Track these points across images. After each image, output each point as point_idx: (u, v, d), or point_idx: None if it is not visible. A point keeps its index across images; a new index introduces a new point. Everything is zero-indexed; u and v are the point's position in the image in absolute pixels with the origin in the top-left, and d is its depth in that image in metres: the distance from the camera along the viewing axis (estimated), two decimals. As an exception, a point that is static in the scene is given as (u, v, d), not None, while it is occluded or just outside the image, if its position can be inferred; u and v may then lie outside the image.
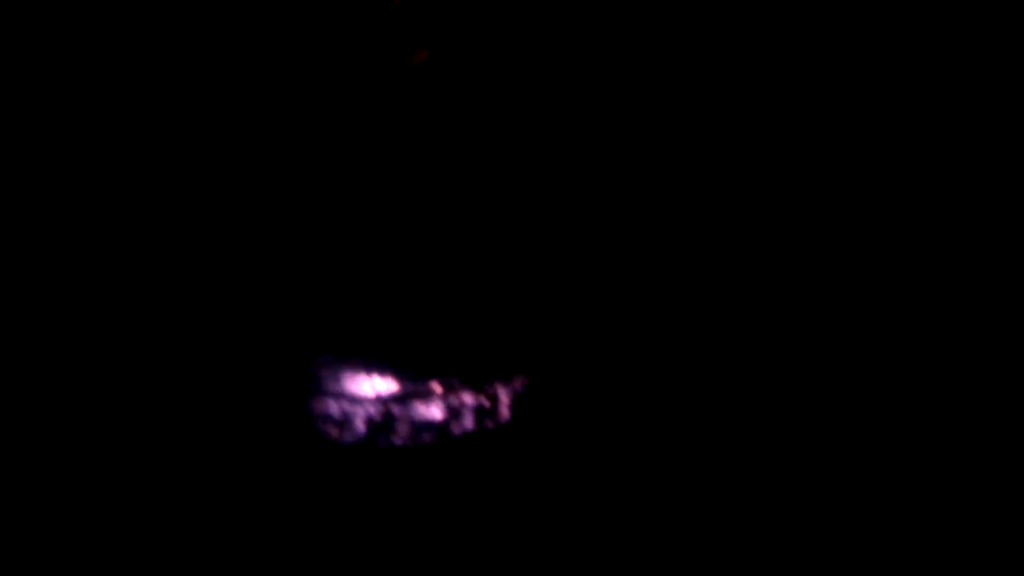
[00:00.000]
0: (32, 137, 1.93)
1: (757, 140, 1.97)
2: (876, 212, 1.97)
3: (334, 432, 1.88)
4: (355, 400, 1.90)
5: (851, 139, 1.97)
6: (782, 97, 1.96)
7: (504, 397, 1.92)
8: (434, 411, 1.89)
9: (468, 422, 1.88)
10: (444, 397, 1.90)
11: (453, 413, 1.89)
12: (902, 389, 1.85)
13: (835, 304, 1.95)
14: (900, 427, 1.81)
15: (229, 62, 1.93)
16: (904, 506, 1.68)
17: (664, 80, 1.99)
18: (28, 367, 1.86)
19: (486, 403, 1.90)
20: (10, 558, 1.60)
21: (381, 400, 1.89)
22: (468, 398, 1.90)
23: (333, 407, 1.90)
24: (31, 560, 1.63)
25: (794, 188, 1.96)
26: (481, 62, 1.98)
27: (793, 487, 1.74)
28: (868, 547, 1.63)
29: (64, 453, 1.82)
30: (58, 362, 1.86)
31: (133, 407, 1.86)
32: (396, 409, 1.89)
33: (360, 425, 1.88)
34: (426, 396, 1.90)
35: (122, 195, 1.94)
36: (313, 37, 1.93)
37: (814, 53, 1.96)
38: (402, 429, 1.87)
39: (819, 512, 1.70)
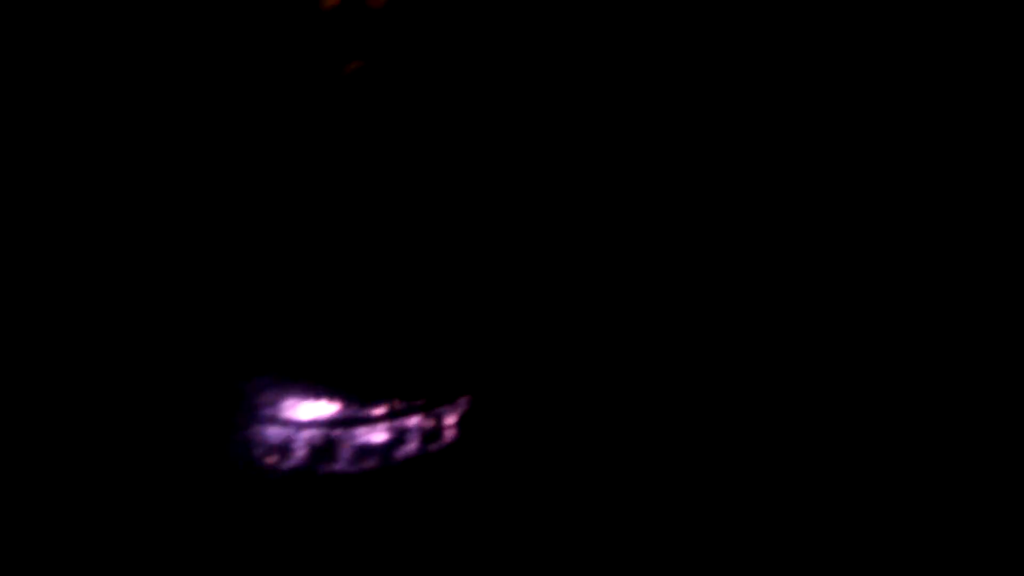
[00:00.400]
0: (27, 138, 1.85)
1: (744, 140, 1.94)
2: (876, 212, 1.94)
3: (273, 459, 1.81)
4: (295, 425, 1.83)
5: (851, 139, 1.94)
6: (781, 97, 1.93)
7: (449, 418, 1.86)
8: (377, 435, 1.83)
9: (412, 445, 1.82)
10: (387, 420, 1.84)
11: (397, 436, 1.83)
12: (901, 389, 1.83)
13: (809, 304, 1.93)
14: (899, 427, 1.78)
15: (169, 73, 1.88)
16: (904, 506, 1.65)
17: (595, 81, 1.97)
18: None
19: (430, 425, 1.84)
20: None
21: (322, 424, 1.83)
22: (412, 420, 1.85)
23: (272, 433, 1.83)
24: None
25: (775, 188, 1.94)
26: (414, 72, 1.95)
27: (762, 500, 1.71)
28: (867, 547, 1.60)
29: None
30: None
31: (59, 435, 1.79)
32: (338, 433, 1.83)
33: (300, 451, 1.81)
34: (369, 419, 1.84)
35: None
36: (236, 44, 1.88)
37: (814, 53, 1.93)
38: (344, 454, 1.81)
39: (799, 516, 1.66)
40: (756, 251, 1.92)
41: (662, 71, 1.92)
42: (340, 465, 1.80)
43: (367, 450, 1.82)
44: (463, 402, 1.88)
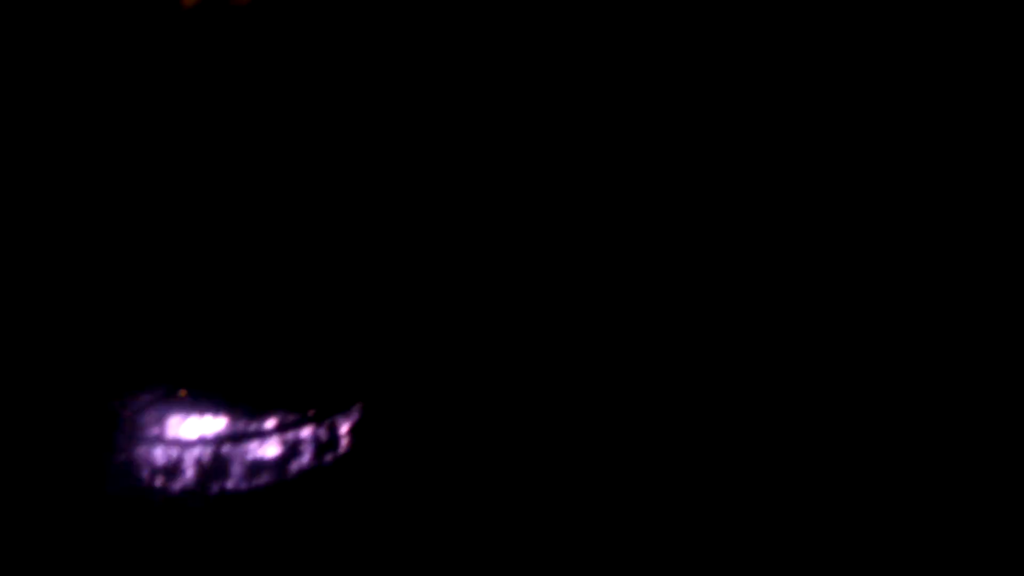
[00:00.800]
0: (23, 140, 1.68)
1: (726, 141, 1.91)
2: (875, 212, 1.94)
3: (160, 481, 1.74)
4: (181, 444, 1.76)
5: (850, 139, 1.93)
6: (781, 97, 1.91)
7: (343, 427, 1.83)
8: (269, 449, 1.78)
9: (306, 458, 1.78)
10: (279, 432, 1.79)
11: (290, 449, 1.78)
12: (901, 389, 1.85)
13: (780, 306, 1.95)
14: (898, 427, 1.81)
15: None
16: (904, 506, 1.69)
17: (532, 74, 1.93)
18: None
19: (324, 435, 1.81)
20: None
21: (210, 441, 1.76)
22: (305, 432, 1.80)
23: (157, 453, 1.76)
24: None
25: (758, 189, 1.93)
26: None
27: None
28: (866, 547, 1.63)
29: None
30: None
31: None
32: (227, 450, 1.77)
33: (189, 471, 1.75)
34: (260, 433, 1.79)
35: None
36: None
37: (814, 53, 1.90)
38: (236, 471, 1.75)
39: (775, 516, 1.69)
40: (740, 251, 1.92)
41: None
42: (232, 483, 1.75)
43: (259, 465, 1.77)
44: (356, 410, 1.85)
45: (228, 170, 1.88)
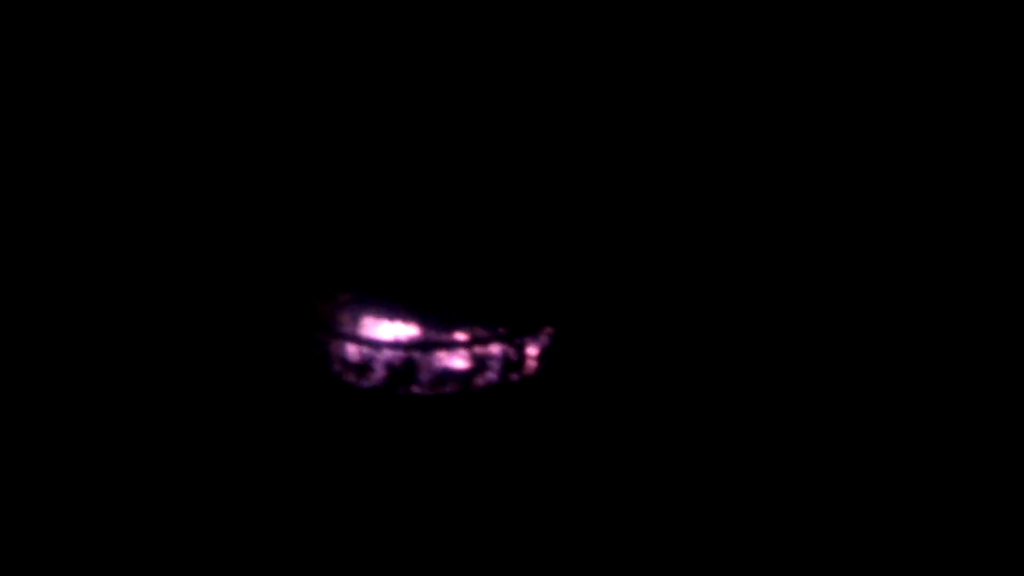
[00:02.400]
0: (31, 137, 1.56)
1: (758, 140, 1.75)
2: (875, 212, 1.83)
3: (352, 377, 1.80)
4: (375, 344, 1.80)
5: (851, 139, 1.78)
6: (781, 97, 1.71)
7: (531, 350, 1.84)
8: (458, 360, 1.81)
9: (492, 374, 1.82)
10: (469, 346, 1.81)
11: (478, 364, 1.82)
12: (902, 389, 1.85)
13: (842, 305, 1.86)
14: (899, 427, 1.83)
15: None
16: (904, 506, 1.75)
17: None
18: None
19: (512, 355, 1.83)
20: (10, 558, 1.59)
21: (403, 346, 1.80)
22: (494, 349, 1.82)
23: (351, 351, 1.80)
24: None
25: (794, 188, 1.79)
26: None
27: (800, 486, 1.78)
28: (867, 547, 1.72)
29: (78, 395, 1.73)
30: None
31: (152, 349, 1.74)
32: (417, 356, 1.80)
33: (380, 370, 1.80)
34: (450, 344, 1.81)
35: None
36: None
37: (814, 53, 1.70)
38: (423, 377, 1.81)
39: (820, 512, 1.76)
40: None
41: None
42: (418, 388, 1.81)
43: (447, 375, 1.82)
44: (546, 333, 1.84)
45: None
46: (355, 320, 1.79)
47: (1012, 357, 1.83)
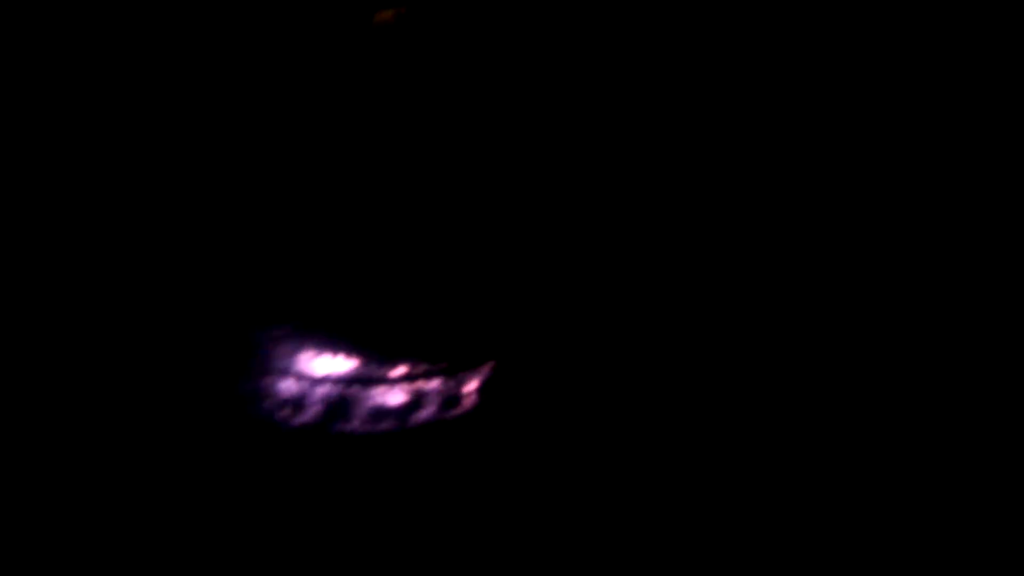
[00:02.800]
0: (31, 137, 1.61)
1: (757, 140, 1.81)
2: (877, 212, 1.87)
3: (285, 413, 1.75)
4: (309, 380, 1.76)
5: (852, 139, 1.83)
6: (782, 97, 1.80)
7: (470, 385, 1.80)
8: (395, 396, 1.77)
9: (430, 410, 1.78)
10: (406, 382, 1.78)
11: (415, 399, 1.77)
12: (903, 389, 1.83)
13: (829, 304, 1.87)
14: (901, 427, 1.80)
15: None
16: (905, 506, 1.70)
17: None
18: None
19: (451, 390, 1.79)
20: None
21: (338, 381, 1.75)
22: (432, 384, 1.78)
23: (285, 386, 1.76)
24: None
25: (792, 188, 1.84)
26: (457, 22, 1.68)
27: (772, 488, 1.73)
28: (868, 547, 1.66)
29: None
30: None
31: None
32: (354, 392, 1.76)
33: (314, 407, 1.75)
34: (387, 380, 1.77)
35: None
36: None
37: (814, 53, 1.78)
38: (359, 413, 1.76)
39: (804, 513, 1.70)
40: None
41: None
42: (354, 425, 1.76)
43: (383, 411, 1.77)
44: (485, 369, 1.81)
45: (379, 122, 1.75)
46: (290, 354, 1.77)
47: (1012, 357, 1.82)
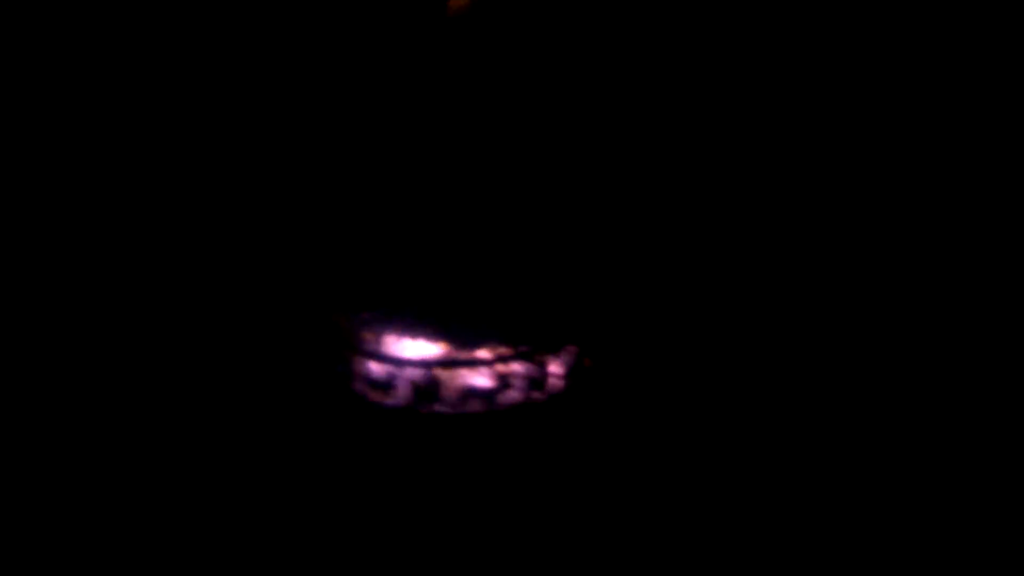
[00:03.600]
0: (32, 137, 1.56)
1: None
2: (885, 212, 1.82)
3: (375, 395, 1.80)
4: (399, 363, 1.79)
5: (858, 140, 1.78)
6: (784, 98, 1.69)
7: (555, 368, 1.83)
8: (481, 379, 1.81)
9: (516, 392, 1.82)
10: (492, 364, 1.81)
11: (501, 382, 1.81)
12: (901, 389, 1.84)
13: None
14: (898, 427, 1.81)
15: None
16: (905, 506, 1.74)
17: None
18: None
19: (536, 373, 1.82)
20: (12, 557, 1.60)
21: (426, 364, 1.79)
22: (517, 367, 1.81)
23: (374, 368, 1.80)
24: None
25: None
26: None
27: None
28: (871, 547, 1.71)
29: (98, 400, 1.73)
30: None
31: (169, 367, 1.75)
32: (441, 374, 1.80)
33: (403, 389, 1.80)
34: (473, 362, 1.80)
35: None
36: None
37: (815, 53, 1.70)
38: (447, 396, 1.80)
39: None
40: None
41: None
42: (442, 407, 1.81)
43: (470, 393, 1.81)
44: (570, 351, 1.83)
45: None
46: (378, 337, 1.79)
47: (1012, 357, 1.81)
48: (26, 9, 1.57)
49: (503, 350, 1.80)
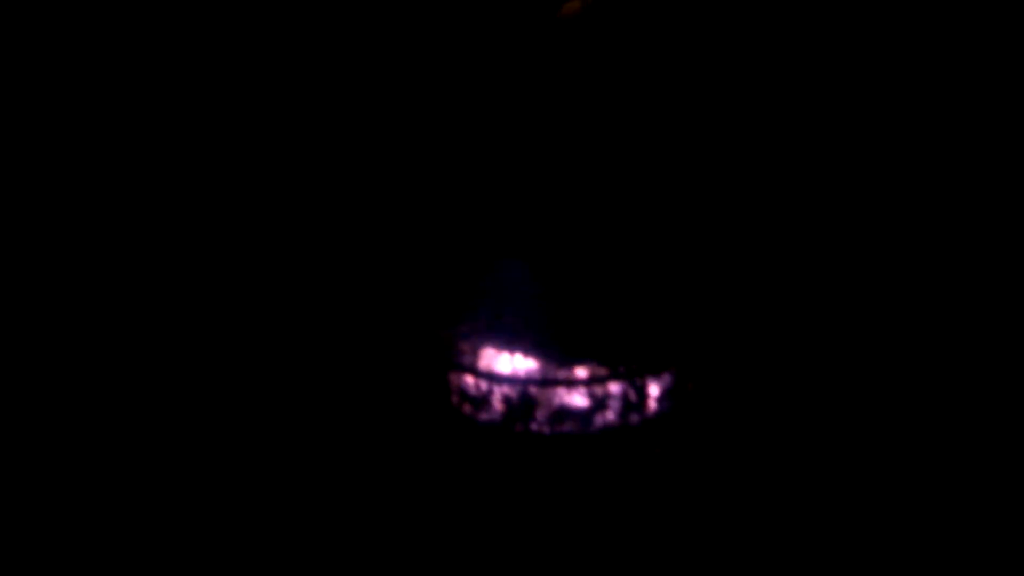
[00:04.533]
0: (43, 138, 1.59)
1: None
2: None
3: (470, 409, 1.79)
4: (494, 378, 1.77)
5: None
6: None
7: (653, 391, 1.78)
8: (576, 398, 1.77)
9: (612, 414, 1.78)
10: (588, 384, 1.77)
11: (597, 403, 1.77)
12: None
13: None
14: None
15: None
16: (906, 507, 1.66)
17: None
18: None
19: (633, 395, 1.77)
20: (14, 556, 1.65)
21: (522, 381, 1.77)
22: (614, 388, 1.77)
23: (470, 383, 1.78)
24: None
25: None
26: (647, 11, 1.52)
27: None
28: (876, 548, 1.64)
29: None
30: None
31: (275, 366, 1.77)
32: (536, 392, 1.77)
33: (497, 405, 1.78)
34: (569, 382, 1.77)
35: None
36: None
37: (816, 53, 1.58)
38: (541, 414, 1.78)
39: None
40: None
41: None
42: (536, 425, 1.78)
43: (565, 413, 1.78)
44: (669, 374, 1.78)
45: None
46: (476, 352, 1.77)
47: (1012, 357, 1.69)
48: (27, 9, 1.58)
49: (601, 370, 1.76)
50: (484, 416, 1.78)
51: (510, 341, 1.77)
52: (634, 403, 1.77)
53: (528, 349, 1.77)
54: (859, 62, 1.69)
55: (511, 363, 1.78)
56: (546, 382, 1.76)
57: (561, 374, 1.76)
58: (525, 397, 1.76)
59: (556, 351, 1.77)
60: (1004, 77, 1.69)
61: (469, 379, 1.78)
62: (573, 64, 1.63)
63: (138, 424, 1.78)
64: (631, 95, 1.67)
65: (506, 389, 1.76)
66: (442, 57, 1.67)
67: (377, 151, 1.78)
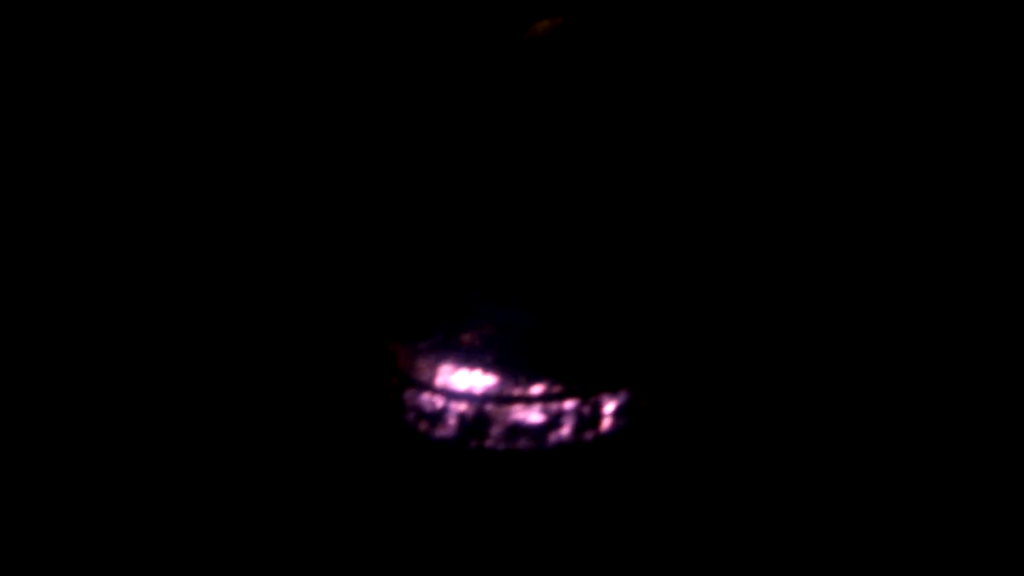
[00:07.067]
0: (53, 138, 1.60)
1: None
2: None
3: (423, 426, 1.77)
4: (448, 394, 1.77)
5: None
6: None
7: (608, 408, 1.78)
8: (532, 415, 1.77)
9: (566, 431, 1.77)
10: (543, 401, 1.77)
11: (552, 419, 1.77)
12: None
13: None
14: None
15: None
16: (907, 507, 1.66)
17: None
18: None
19: (587, 412, 1.77)
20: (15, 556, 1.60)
21: (476, 398, 1.76)
22: (569, 405, 1.77)
23: (424, 400, 1.77)
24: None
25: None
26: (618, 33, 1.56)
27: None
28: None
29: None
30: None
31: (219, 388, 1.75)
32: (491, 409, 1.77)
33: (451, 422, 1.77)
34: (524, 399, 1.76)
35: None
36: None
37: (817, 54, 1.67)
38: (495, 431, 1.77)
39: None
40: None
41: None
42: (491, 442, 1.77)
43: (520, 430, 1.77)
44: (625, 391, 1.78)
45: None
46: (430, 368, 1.77)
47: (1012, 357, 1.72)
48: (27, 9, 1.60)
49: (557, 386, 1.76)
50: (438, 433, 1.76)
51: (468, 358, 1.78)
52: (588, 419, 1.77)
53: (487, 366, 1.77)
54: (833, 67, 1.75)
55: (468, 379, 1.77)
56: (501, 398, 1.76)
57: (516, 391, 1.77)
58: (480, 414, 1.76)
59: (513, 368, 1.77)
60: (1004, 77, 1.74)
61: (425, 396, 1.77)
62: (542, 84, 1.68)
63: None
64: (594, 116, 1.71)
65: (461, 406, 1.76)
66: (408, 76, 1.71)
67: (333, 168, 1.80)
